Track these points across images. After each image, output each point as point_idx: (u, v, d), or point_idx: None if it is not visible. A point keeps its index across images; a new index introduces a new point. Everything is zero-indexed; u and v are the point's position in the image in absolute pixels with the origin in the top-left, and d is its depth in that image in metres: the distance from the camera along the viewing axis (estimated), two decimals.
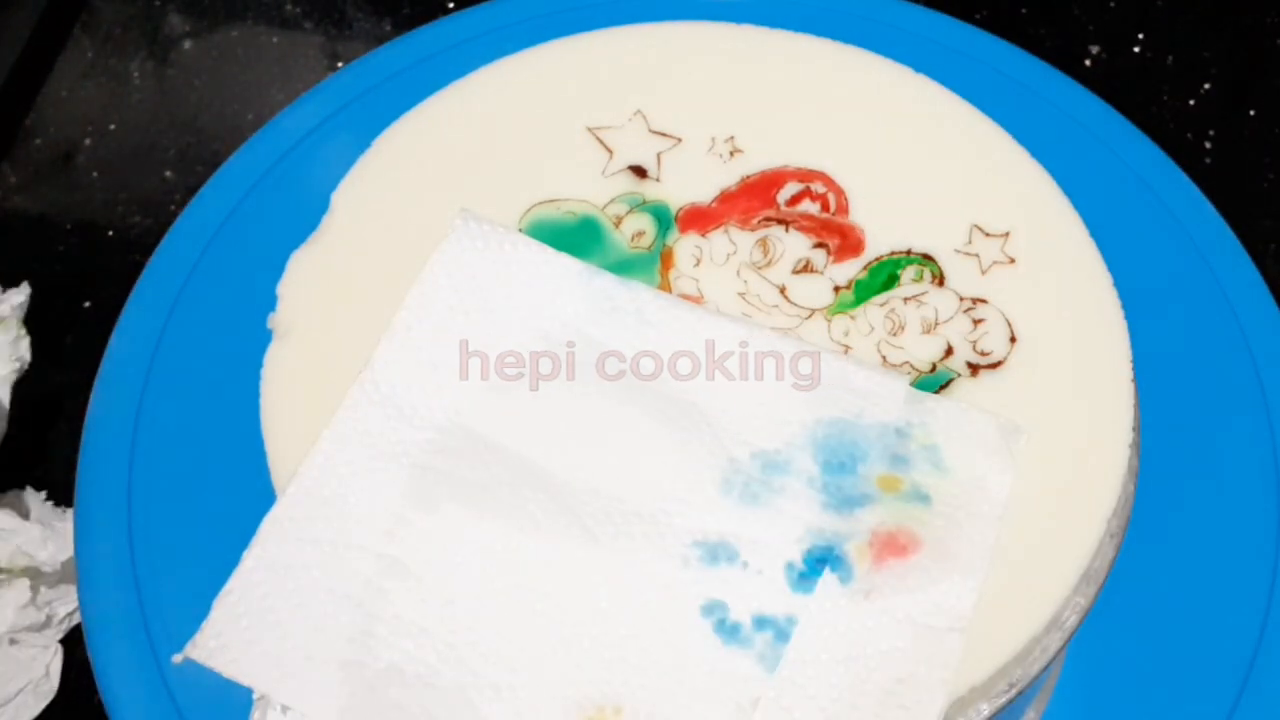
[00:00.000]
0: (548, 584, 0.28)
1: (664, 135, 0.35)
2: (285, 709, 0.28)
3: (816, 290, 0.32)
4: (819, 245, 0.33)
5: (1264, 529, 0.38)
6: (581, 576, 0.28)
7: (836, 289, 0.32)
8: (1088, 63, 0.55)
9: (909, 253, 0.32)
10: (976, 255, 0.32)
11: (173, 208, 0.50)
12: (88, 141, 0.54)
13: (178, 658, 0.28)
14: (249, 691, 0.28)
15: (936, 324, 0.31)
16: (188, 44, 0.57)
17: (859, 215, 0.33)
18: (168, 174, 0.53)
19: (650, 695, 0.27)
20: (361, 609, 0.28)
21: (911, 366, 0.31)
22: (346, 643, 0.28)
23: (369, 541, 0.29)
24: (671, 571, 0.28)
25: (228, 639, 0.28)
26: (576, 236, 0.33)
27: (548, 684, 0.27)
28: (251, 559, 0.29)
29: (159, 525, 0.37)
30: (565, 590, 0.28)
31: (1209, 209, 0.44)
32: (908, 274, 0.32)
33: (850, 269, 0.32)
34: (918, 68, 0.37)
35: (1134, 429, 0.30)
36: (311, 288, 0.32)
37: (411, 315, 0.32)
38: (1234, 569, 0.37)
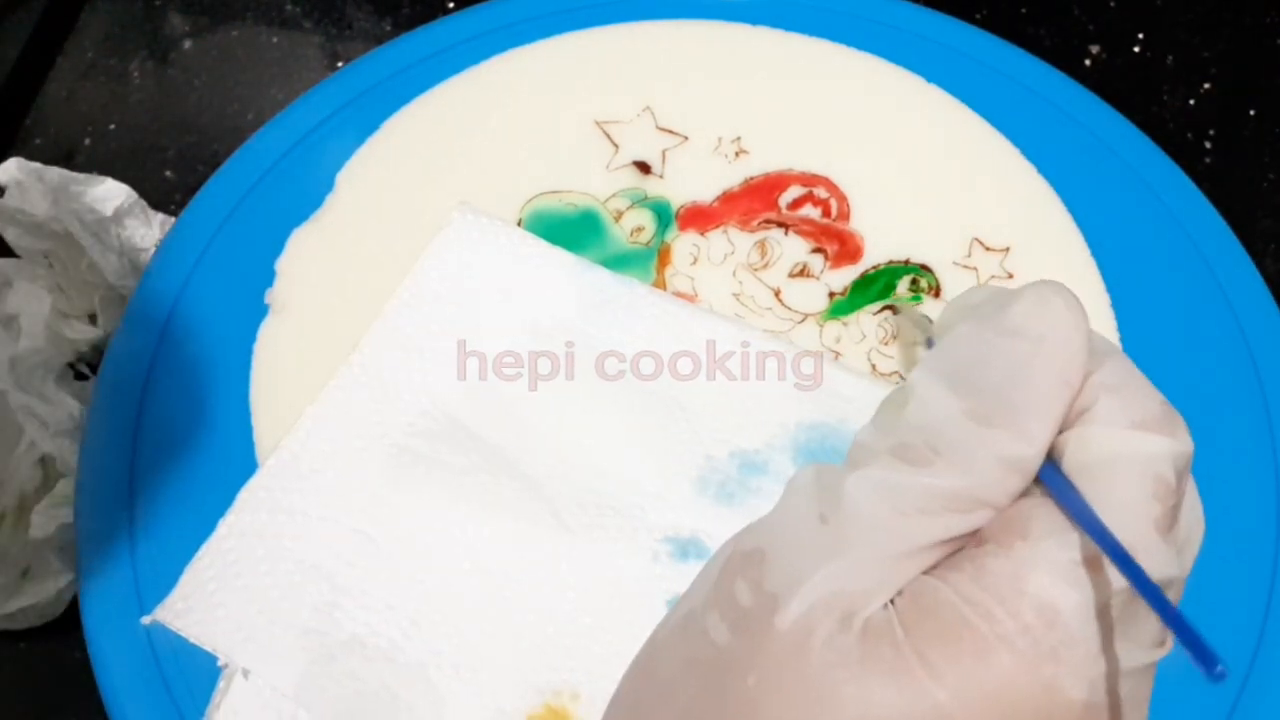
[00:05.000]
0: (516, 569, 0.29)
1: (671, 132, 0.36)
2: (248, 674, 0.28)
3: (811, 295, 0.32)
4: (817, 250, 0.33)
5: (1264, 529, 0.37)
6: (550, 564, 0.29)
7: (831, 295, 0.32)
8: (1088, 63, 0.55)
9: (907, 262, 0.32)
10: (975, 269, 0.32)
11: (173, 208, 0.50)
12: (88, 141, 0.54)
13: (146, 620, 0.28)
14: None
15: None
16: (188, 44, 0.57)
17: (860, 222, 0.33)
18: (168, 174, 0.53)
19: (609, 684, 0.27)
20: (329, 580, 0.29)
21: (901, 376, 0.31)
22: (311, 612, 0.28)
23: (343, 516, 0.29)
24: (640, 565, 0.29)
25: (194, 603, 0.28)
26: (576, 228, 0.33)
27: (508, 666, 0.28)
28: (225, 527, 0.29)
29: (158, 502, 0.37)
30: (533, 577, 0.29)
31: (1209, 209, 0.44)
32: (904, 284, 0.32)
33: (846, 275, 0.32)
34: (918, 68, 0.37)
35: None
36: (310, 265, 0.32)
37: (403, 302, 0.32)
38: (1233, 570, 0.37)
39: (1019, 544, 0.19)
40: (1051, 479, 0.20)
